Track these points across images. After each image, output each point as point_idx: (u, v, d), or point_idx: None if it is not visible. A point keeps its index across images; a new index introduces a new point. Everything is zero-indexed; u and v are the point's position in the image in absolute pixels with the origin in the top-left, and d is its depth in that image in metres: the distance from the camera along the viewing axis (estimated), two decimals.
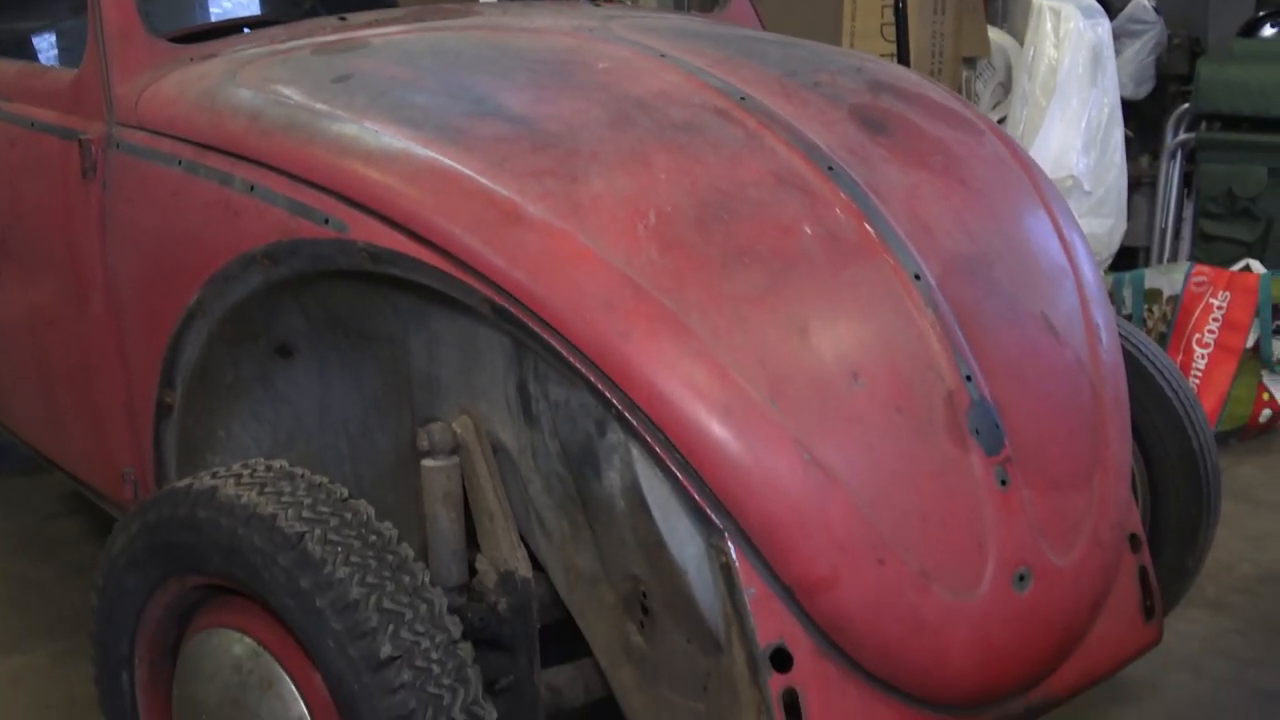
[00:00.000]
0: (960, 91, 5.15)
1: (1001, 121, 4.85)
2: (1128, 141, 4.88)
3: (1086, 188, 4.37)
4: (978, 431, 1.86)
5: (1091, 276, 2.14)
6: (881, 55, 4.81)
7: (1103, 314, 2.11)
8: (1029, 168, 2.27)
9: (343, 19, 2.69)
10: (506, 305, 1.86)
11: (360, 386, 2.36)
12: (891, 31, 4.77)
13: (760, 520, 1.76)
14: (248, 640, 1.96)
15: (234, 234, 2.19)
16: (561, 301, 1.82)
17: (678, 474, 1.78)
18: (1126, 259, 5.06)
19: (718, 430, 1.76)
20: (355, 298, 2.22)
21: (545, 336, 1.84)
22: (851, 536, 1.76)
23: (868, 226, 1.96)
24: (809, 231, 1.93)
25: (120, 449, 2.63)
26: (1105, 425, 2.01)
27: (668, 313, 1.80)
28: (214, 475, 2.00)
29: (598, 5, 3.08)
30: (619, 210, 1.90)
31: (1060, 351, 2.00)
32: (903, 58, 4.40)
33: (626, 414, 1.80)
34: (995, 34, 5.27)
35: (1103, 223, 4.45)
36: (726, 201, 1.94)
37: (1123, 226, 4.61)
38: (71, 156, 2.57)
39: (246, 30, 3.40)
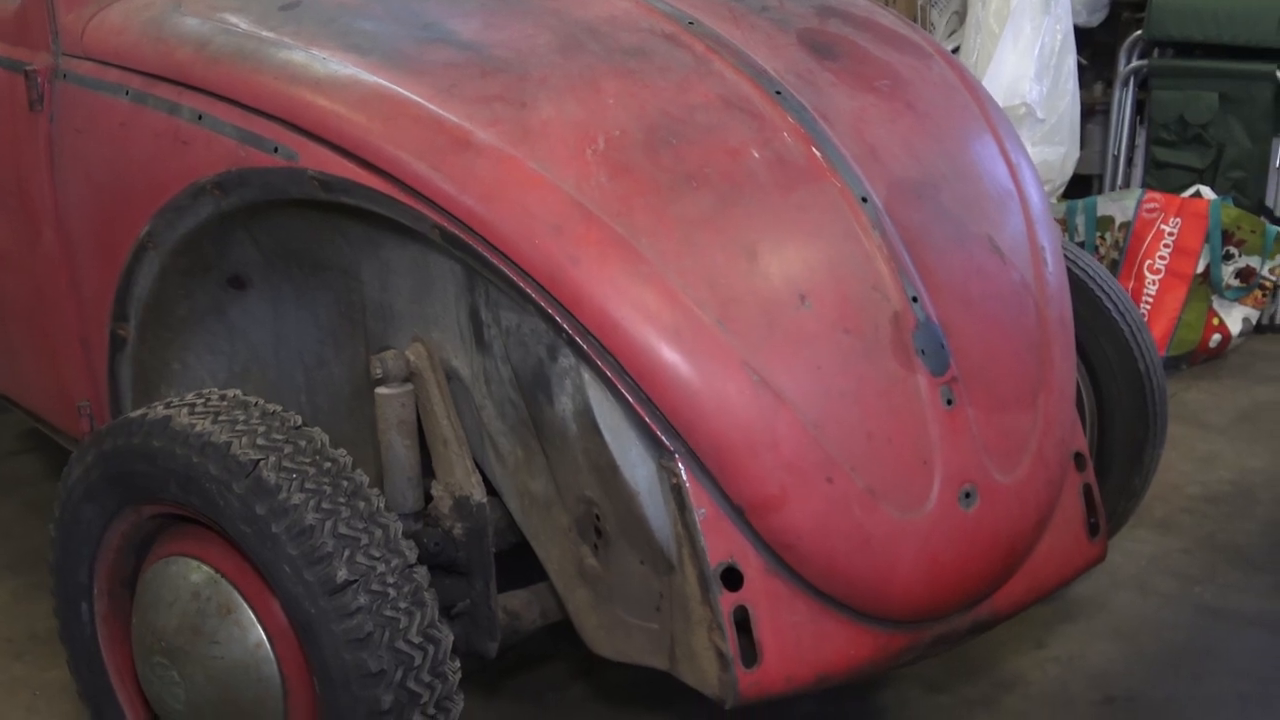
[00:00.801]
0: (915, 21, 5.15)
1: (956, 50, 4.85)
2: (1081, 69, 4.89)
3: (1039, 115, 4.40)
4: (924, 352, 1.88)
5: (1037, 199, 2.17)
6: None
7: (1048, 236, 2.13)
8: (976, 92, 2.28)
9: None
10: (456, 231, 1.87)
11: (314, 317, 2.37)
12: None
13: (710, 441, 1.78)
14: (205, 568, 1.98)
15: (183, 164, 2.18)
16: (511, 226, 1.83)
17: (628, 397, 1.80)
18: (1080, 186, 5.09)
19: (667, 353, 1.78)
20: (307, 227, 2.22)
21: (495, 262, 1.85)
22: (799, 456, 1.79)
23: (815, 150, 1.97)
24: (756, 155, 1.94)
25: (75, 383, 2.63)
26: (1050, 346, 2.04)
27: (617, 236, 1.82)
28: (168, 405, 2.01)
29: None
30: (568, 135, 1.91)
31: (1006, 273, 2.03)
32: None
33: (577, 338, 1.82)
34: None
35: (1055, 150, 4.47)
36: (675, 126, 1.95)
37: (1075, 154, 4.64)
38: (18, 88, 2.54)
39: None
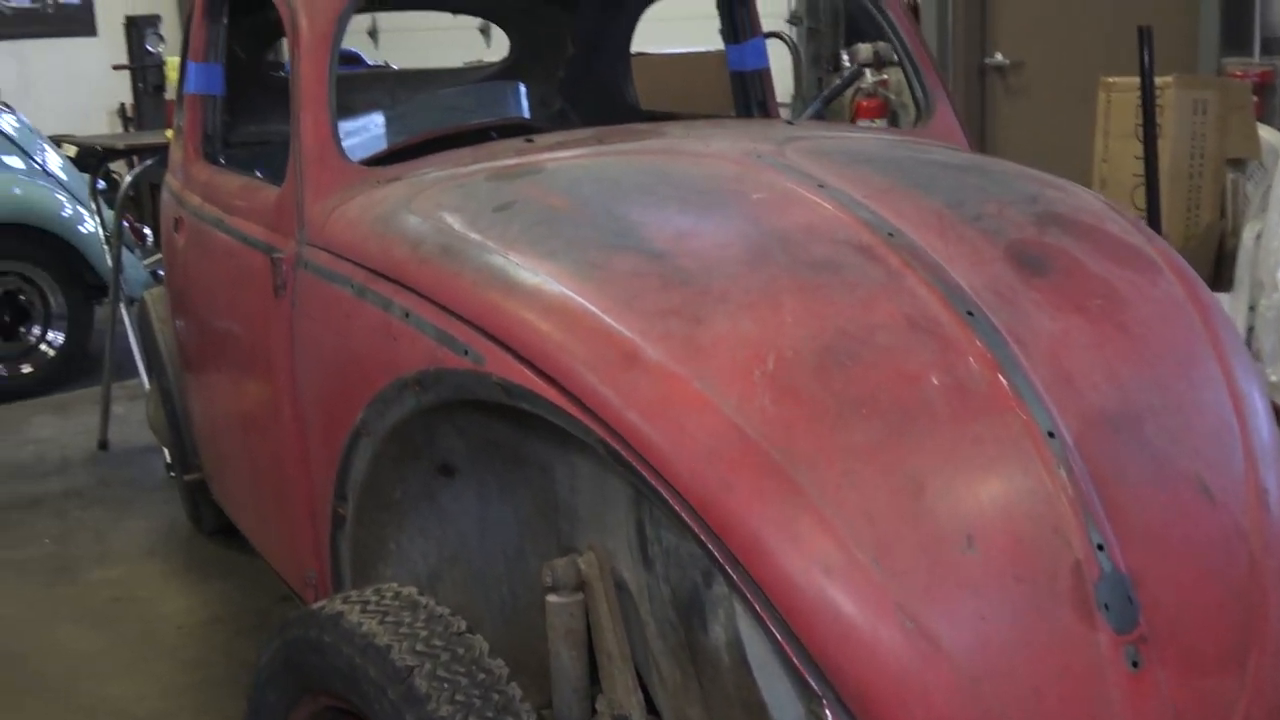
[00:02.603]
0: (1225, 196, 4.86)
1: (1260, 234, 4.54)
2: None
3: None
4: (1107, 606, 1.72)
5: (1266, 434, 1.96)
6: (1136, 157, 4.60)
7: (1274, 475, 1.93)
8: (1207, 311, 2.11)
9: (530, 140, 2.75)
10: (618, 447, 1.84)
11: (516, 509, 2.38)
12: None
13: (858, 689, 1.67)
14: None
15: (391, 359, 2.25)
16: (668, 447, 1.79)
17: (776, 634, 1.72)
18: None
19: (816, 591, 1.69)
20: (507, 423, 2.25)
21: (653, 482, 1.81)
22: (954, 712, 1.65)
23: (1001, 377, 1.85)
24: (935, 381, 1.84)
25: (304, 552, 2.73)
26: (1265, 599, 1.83)
27: (774, 464, 1.75)
28: (345, 599, 2.05)
29: (790, 124, 3.06)
30: (738, 354, 1.86)
31: (1214, 518, 1.84)
32: (1150, 161, 4.19)
33: (728, 568, 1.75)
34: (1268, 133, 4.95)
35: None
36: (851, 346, 1.87)
37: None
38: (270, 273, 2.70)
39: (494, 136, 3.55)
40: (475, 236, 2.22)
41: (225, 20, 3.47)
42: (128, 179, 5.59)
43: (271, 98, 4.19)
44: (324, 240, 2.56)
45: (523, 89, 4.59)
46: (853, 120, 6.90)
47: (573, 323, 1.95)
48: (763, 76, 3.82)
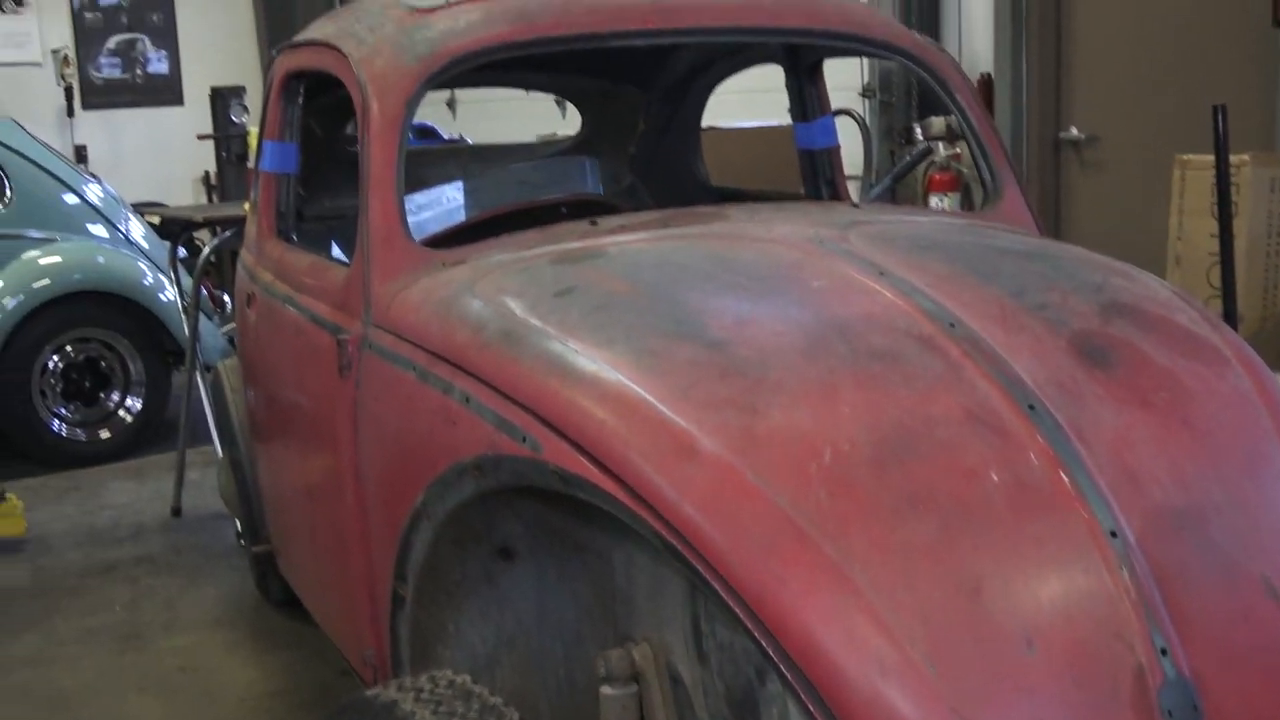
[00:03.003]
0: None
1: None
2: None
3: None
4: (1170, 713, 1.67)
5: None
6: (1211, 235, 4.54)
7: None
8: (1277, 406, 2.06)
9: (594, 223, 2.76)
10: (673, 540, 1.83)
11: (574, 595, 2.37)
12: None
13: None
14: None
15: (451, 443, 2.26)
16: (723, 541, 1.78)
17: None
18: None
19: (870, 691, 1.66)
20: (566, 508, 2.24)
21: (706, 576, 1.79)
22: None
23: (1062, 474, 1.82)
24: (994, 478, 1.81)
25: (363, 631, 2.74)
26: None
27: (829, 561, 1.73)
28: (400, 687, 2.05)
29: (856, 206, 3.05)
30: (793, 446, 1.85)
31: None
32: (1225, 240, 4.14)
33: (781, 665, 1.73)
34: None
35: None
36: (909, 440, 1.85)
37: None
38: (335, 352, 2.73)
39: (565, 211, 3.57)
40: (535, 322, 2.22)
41: (301, 100, 3.53)
42: (207, 249, 5.70)
43: (347, 173, 4.24)
44: (388, 322, 2.58)
45: (594, 165, 4.63)
46: (925, 194, 6.88)
47: (629, 412, 1.94)
48: (832, 155, 3.82)
